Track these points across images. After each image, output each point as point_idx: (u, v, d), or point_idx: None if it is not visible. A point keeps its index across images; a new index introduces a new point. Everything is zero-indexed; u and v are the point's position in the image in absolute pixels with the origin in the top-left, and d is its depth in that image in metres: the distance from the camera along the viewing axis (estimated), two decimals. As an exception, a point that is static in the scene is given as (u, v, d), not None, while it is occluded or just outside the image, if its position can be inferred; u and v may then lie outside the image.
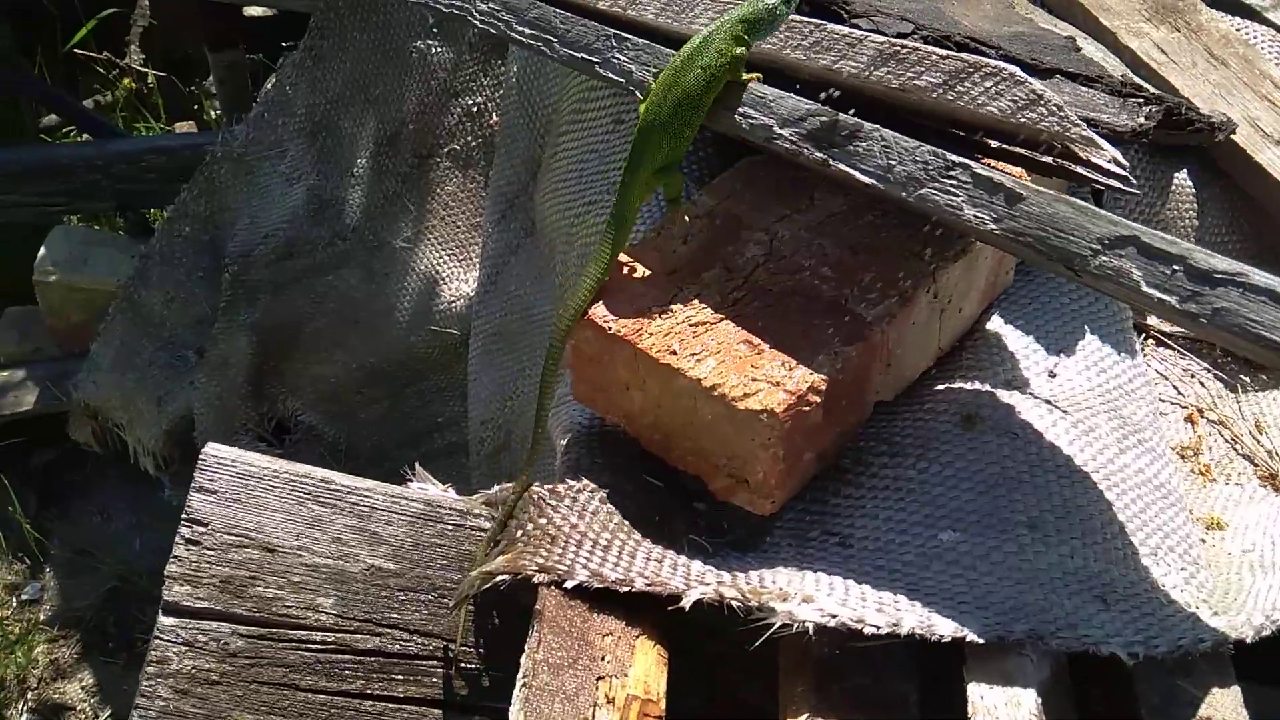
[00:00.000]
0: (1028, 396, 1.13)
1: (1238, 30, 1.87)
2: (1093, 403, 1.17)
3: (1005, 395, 1.13)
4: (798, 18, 1.12)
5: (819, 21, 1.09)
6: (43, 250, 2.52)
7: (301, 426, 2.35)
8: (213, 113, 3.14)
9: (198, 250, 2.32)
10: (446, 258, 2.25)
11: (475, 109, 2.21)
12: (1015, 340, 1.21)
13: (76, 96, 3.14)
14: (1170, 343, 1.57)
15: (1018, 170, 1.13)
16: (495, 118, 2.21)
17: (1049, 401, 1.13)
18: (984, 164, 1.08)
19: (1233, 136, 1.65)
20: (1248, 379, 1.54)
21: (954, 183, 0.87)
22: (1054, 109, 0.92)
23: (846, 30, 1.07)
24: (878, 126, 0.92)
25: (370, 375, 2.32)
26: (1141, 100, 1.18)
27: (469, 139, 2.24)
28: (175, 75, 3.16)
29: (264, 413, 2.31)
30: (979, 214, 0.85)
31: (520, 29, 1.22)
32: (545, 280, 2.03)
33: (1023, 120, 0.94)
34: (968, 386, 1.16)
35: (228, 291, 2.25)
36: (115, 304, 2.36)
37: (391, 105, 2.22)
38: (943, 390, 1.16)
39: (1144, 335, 1.58)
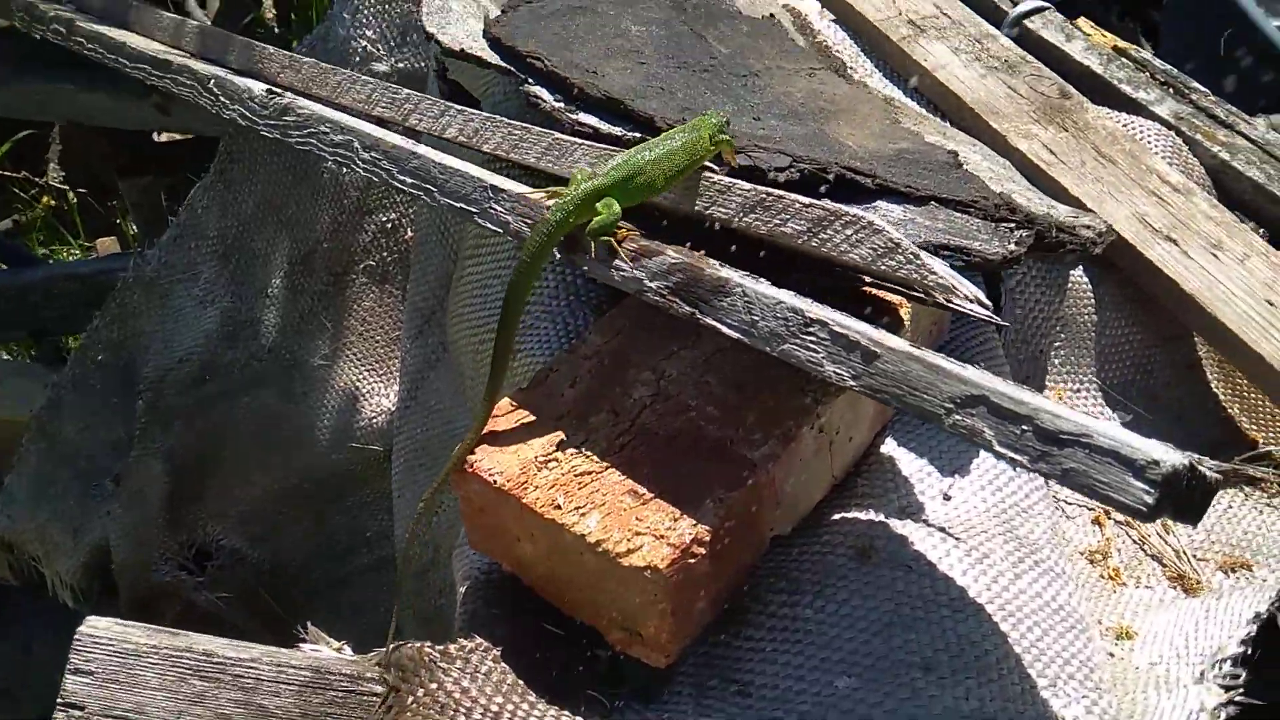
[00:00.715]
0: (921, 525, 1.13)
1: (1125, 126, 1.93)
2: (988, 525, 1.17)
3: (899, 525, 1.13)
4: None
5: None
6: (-50, 385, 2.47)
7: (224, 551, 2.29)
8: (134, 228, 3.11)
9: (111, 377, 2.28)
10: (366, 373, 2.23)
11: (389, 225, 2.21)
12: (909, 464, 1.21)
13: (-7, 217, 3.11)
14: (1074, 442, 1.59)
15: (898, 299, 1.15)
16: (410, 232, 2.21)
17: (943, 529, 1.13)
18: (868, 305, 1.09)
19: (1122, 234, 1.70)
20: (1151, 476, 1.56)
21: (813, 339, 0.87)
22: (910, 256, 0.94)
23: (717, 176, 1.09)
24: (741, 281, 0.93)
25: (293, 495, 2.28)
26: (1013, 225, 1.21)
27: (384, 254, 2.24)
28: (99, 189, 3.14)
29: (183, 540, 2.25)
30: (838, 370, 0.86)
31: (401, 178, 1.23)
32: (462, 396, 2.02)
33: (883, 267, 0.96)
34: (863, 516, 1.15)
35: (142, 419, 2.21)
36: (28, 435, 2.30)
37: (304, 225, 2.21)
38: (839, 520, 1.16)
39: (1049, 435, 1.60)
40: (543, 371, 1.18)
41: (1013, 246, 1.15)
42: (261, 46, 1.59)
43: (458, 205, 1.17)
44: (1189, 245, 1.71)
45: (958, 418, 0.79)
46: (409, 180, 1.22)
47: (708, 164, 1.16)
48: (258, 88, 1.43)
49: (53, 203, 3.18)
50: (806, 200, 1.02)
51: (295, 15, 3.68)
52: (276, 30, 3.84)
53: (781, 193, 1.04)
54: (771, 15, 1.81)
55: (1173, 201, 1.79)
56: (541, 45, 1.47)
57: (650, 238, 1.13)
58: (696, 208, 1.09)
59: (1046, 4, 2.28)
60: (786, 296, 0.90)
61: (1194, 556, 1.45)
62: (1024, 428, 0.76)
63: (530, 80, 1.44)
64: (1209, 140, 1.99)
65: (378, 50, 2.14)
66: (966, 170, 1.46)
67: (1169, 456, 0.73)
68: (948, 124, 1.87)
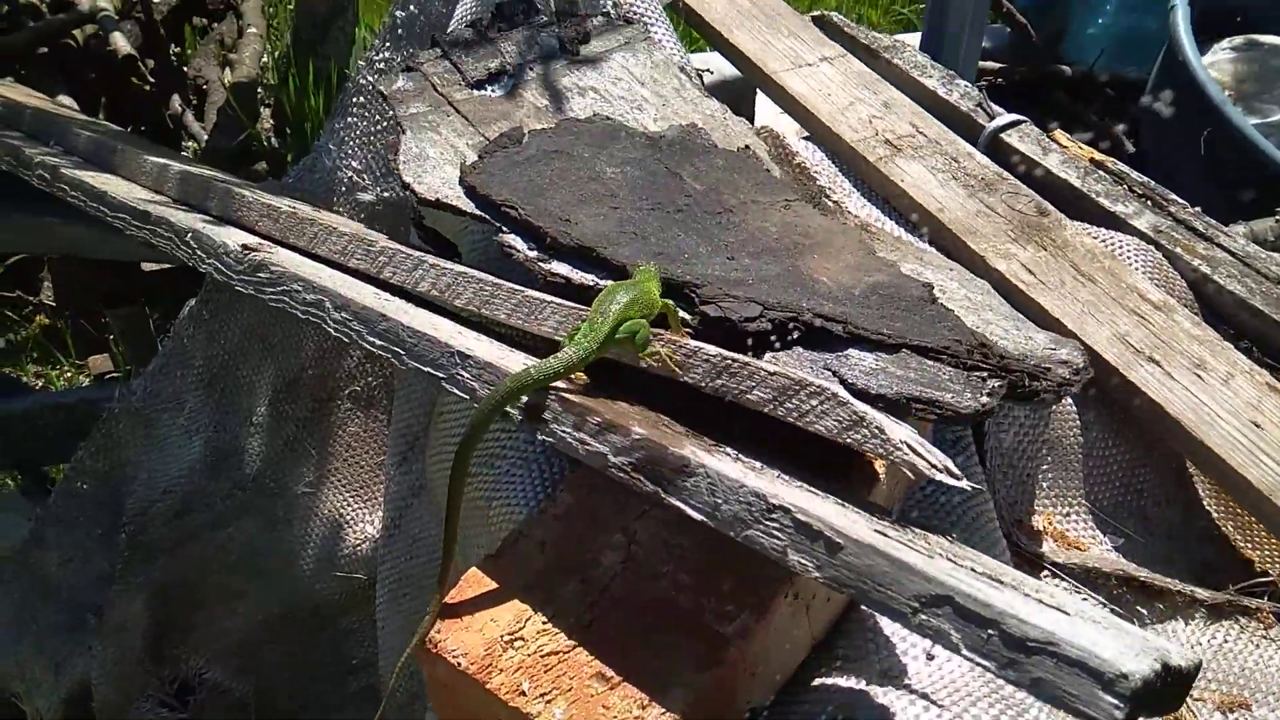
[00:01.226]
0: (904, 692, 1.10)
1: (1104, 243, 1.94)
2: (973, 687, 1.13)
3: (880, 692, 1.10)
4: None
5: (659, 331, 1.10)
6: (-68, 520, 2.45)
7: (206, 685, 2.24)
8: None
9: (95, 508, 2.26)
10: (350, 500, 2.21)
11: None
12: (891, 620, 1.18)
13: (-15, 337, 3.13)
14: (1064, 576, 1.56)
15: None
16: (394, 358, 2.21)
17: (925, 695, 1.10)
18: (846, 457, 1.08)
19: (1104, 355, 1.69)
20: (1144, 610, 1.53)
21: (776, 526, 0.86)
22: (875, 431, 0.93)
23: (682, 340, 1.08)
24: (704, 461, 0.92)
25: (277, 624, 2.24)
26: (985, 374, 1.20)
27: (369, 379, 2.23)
28: (89, 310, 3.15)
29: (165, 675, 2.20)
30: (802, 560, 0.84)
31: (371, 339, 1.23)
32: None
33: (849, 440, 0.94)
34: (843, 682, 1.12)
35: (125, 553, 2.18)
36: (10, 569, 2.27)
37: (290, 352, 2.22)
38: (818, 687, 1.13)
39: (1041, 569, 1.57)
40: (512, 535, 1.16)
41: (985, 399, 1.14)
42: (240, 193, 1.61)
43: (425, 369, 1.16)
44: (1172, 366, 1.70)
45: (923, 618, 0.77)
46: (378, 342, 1.21)
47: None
48: (232, 243, 1.44)
49: (46, 321, 3.20)
50: (771, 369, 1.01)
51: (290, 130, 3.76)
52: (274, 144, 3.91)
53: (747, 360, 1.03)
54: (746, 147, 1.83)
55: (1154, 320, 1.78)
56: (515, 193, 1.48)
57: (621, 397, 1.13)
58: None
59: (1023, 118, 2.31)
60: (750, 479, 0.89)
61: (1190, 697, 1.41)
62: (990, 632, 0.74)
63: (504, 229, 1.45)
64: (1189, 254, 2.00)
65: (363, 180, 2.17)
66: (941, 306, 1.46)
67: (1139, 666, 0.71)
68: (926, 245, 1.88)
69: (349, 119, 2.16)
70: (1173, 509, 1.79)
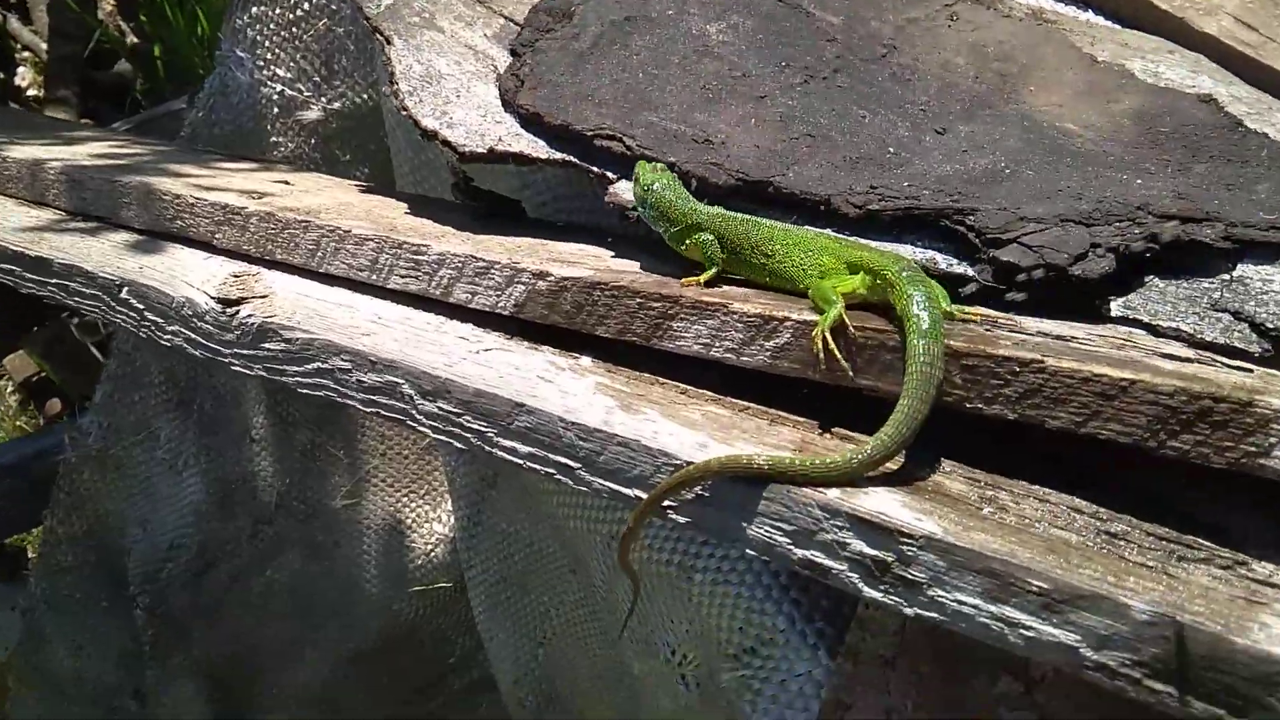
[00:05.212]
0: None
1: (1317, -40, 1.45)
2: None
3: None
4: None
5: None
6: (-106, 647, 1.96)
7: (297, 743, 1.87)
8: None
9: (90, 578, 1.79)
10: (405, 499, 1.77)
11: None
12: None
13: None
14: None
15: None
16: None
17: None
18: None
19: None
20: None
21: None
22: None
23: (984, 314, 0.62)
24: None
25: (359, 660, 1.85)
26: None
27: (384, 347, 1.73)
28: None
29: (246, 751, 1.82)
30: None
31: (507, 444, 0.74)
32: (543, 513, 1.57)
33: None
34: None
35: (148, 631, 1.74)
36: (13, 678, 1.83)
37: (272, 339, 1.69)
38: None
39: None
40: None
41: None
42: (171, 191, 1.05)
43: (624, 491, 0.69)
44: None
45: None
46: (522, 449, 0.73)
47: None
48: (200, 295, 0.91)
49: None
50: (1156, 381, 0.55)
51: (147, 15, 3.00)
52: (127, 33, 3.15)
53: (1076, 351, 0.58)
54: (854, -65, 1.27)
55: None
56: (604, 110, 0.94)
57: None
58: (961, 398, 0.63)
59: None
60: None
61: None
62: None
63: (609, 173, 0.93)
64: None
65: (301, 91, 1.58)
66: (1256, 132, 1.00)
67: None
68: (1111, 22, 1.38)
69: (254, 9, 1.54)
70: None
